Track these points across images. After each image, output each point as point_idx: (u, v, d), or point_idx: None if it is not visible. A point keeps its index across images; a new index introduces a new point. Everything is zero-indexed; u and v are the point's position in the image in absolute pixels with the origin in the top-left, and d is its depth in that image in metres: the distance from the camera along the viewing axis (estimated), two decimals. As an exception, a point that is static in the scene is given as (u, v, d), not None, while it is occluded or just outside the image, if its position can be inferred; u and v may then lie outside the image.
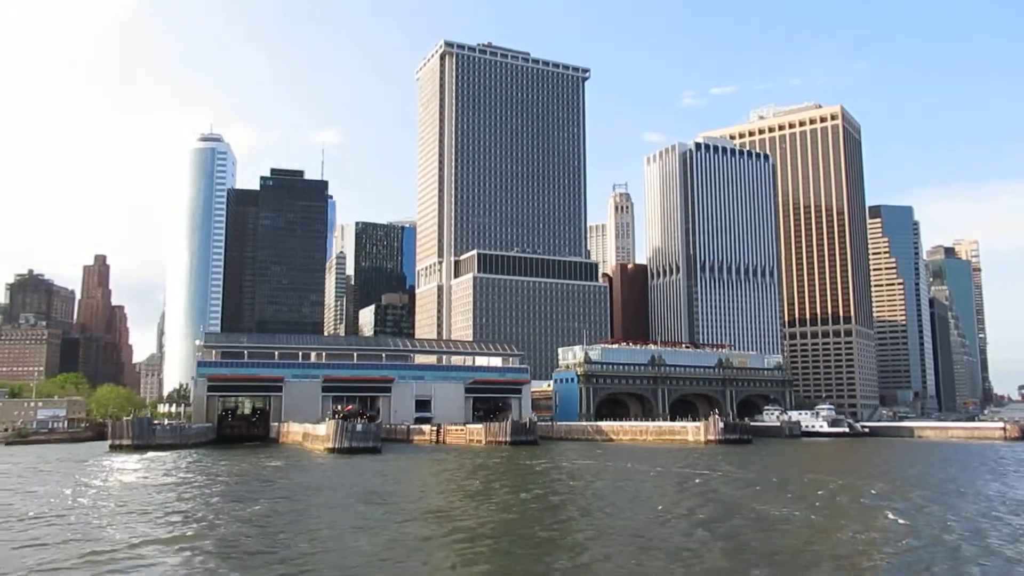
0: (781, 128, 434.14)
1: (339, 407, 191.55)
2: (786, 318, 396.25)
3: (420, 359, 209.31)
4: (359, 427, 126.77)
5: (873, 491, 73.78)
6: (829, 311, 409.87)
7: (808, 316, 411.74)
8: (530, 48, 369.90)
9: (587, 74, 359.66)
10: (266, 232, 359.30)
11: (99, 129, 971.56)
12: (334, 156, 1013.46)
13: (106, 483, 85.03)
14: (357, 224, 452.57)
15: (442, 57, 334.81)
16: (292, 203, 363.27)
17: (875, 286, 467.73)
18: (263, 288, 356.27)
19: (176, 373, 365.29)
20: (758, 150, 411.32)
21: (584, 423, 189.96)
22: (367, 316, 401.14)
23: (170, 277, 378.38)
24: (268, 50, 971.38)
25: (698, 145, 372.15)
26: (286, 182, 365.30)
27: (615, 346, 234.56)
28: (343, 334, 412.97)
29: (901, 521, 53.99)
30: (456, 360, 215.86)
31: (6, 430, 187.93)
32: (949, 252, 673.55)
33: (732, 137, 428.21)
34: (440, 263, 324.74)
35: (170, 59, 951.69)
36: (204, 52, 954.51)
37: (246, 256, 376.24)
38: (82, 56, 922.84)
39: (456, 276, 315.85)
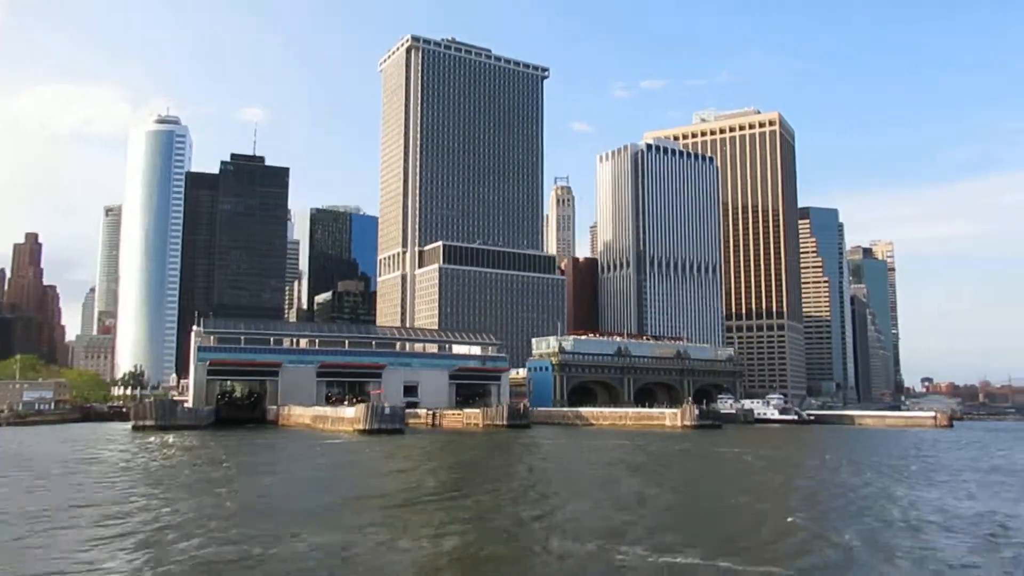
0: (723, 131, 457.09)
1: (331, 392, 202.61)
2: (725, 312, 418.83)
3: (405, 347, 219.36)
4: (387, 410, 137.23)
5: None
6: (763, 306, 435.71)
7: (745, 310, 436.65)
8: (488, 43, 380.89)
9: (546, 73, 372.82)
10: (226, 217, 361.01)
11: (17, 99, 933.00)
12: (264, 134, 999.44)
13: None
14: (312, 210, 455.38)
15: (408, 51, 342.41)
16: (252, 188, 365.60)
17: (803, 283, 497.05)
18: (223, 273, 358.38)
19: (129, 356, 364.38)
20: (700, 151, 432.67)
21: (564, 409, 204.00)
22: (323, 302, 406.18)
23: (124, 259, 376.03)
24: (192, 25, 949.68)
25: (649, 146, 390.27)
26: (246, 167, 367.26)
27: (584, 337, 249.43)
28: (295, 320, 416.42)
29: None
30: (431, 348, 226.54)
31: (1, 411, 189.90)
32: (867, 252, 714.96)
33: (676, 138, 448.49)
34: (404, 253, 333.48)
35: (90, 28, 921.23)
36: (125, 24, 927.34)
37: (200, 239, 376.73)
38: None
39: (420, 266, 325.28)
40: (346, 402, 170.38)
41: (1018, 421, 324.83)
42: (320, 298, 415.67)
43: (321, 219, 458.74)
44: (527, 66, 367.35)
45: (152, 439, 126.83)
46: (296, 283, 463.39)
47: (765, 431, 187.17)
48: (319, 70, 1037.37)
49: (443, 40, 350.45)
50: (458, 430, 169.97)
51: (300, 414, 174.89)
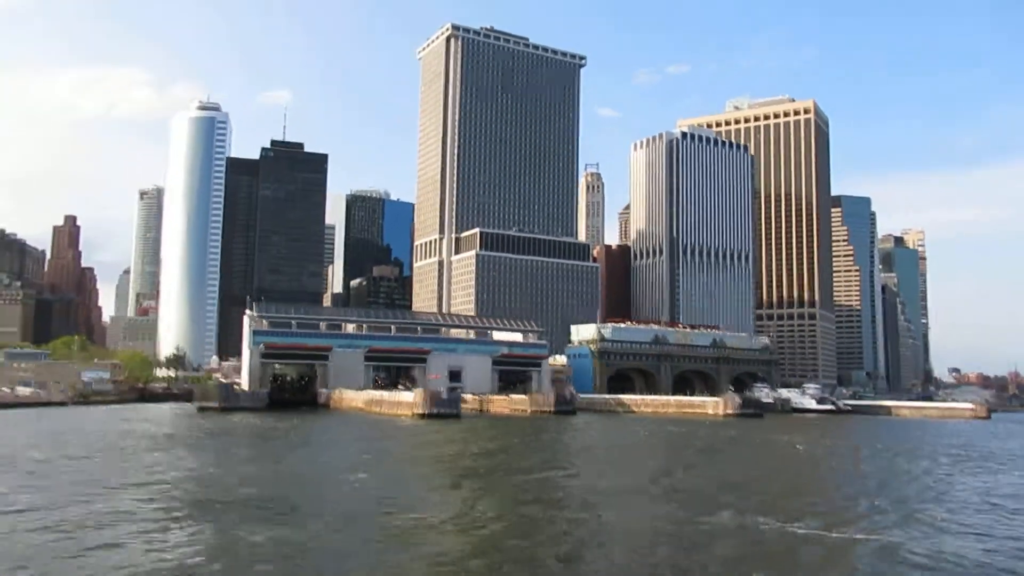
0: (756, 119, 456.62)
1: (378, 376, 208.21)
2: (757, 300, 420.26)
3: (450, 332, 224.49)
4: (445, 395, 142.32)
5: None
6: (795, 295, 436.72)
7: (776, 299, 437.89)
8: (522, 31, 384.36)
9: (583, 61, 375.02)
10: (266, 203, 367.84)
11: (40, 83, 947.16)
12: (292, 119, 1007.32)
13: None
14: (348, 195, 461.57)
15: (448, 39, 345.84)
16: (292, 175, 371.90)
17: (834, 272, 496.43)
18: (263, 258, 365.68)
19: (172, 337, 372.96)
20: (733, 139, 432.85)
21: (606, 396, 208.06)
22: (358, 287, 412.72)
23: (166, 243, 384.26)
24: (216, 8, 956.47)
25: (684, 134, 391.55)
26: (286, 154, 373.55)
27: (622, 325, 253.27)
28: (330, 304, 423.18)
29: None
30: (471, 334, 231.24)
31: (63, 391, 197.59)
32: (898, 241, 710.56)
33: (709, 126, 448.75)
34: (441, 239, 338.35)
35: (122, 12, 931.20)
36: (147, 6, 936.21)
37: (239, 224, 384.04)
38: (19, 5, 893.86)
39: (457, 253, 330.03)
40: (400, 386, 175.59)
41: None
42: (355, 283, 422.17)
43: (357, 204, 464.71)
44: (564, 54, 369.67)
45: (236, 419, 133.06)
46: (330, 267, 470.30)
47: (806, 420, 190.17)
48: (346, 55, 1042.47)
49: (482, 29, 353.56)
50: (506, 415, 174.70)
51: (352, 398, 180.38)
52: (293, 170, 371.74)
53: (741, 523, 40.85)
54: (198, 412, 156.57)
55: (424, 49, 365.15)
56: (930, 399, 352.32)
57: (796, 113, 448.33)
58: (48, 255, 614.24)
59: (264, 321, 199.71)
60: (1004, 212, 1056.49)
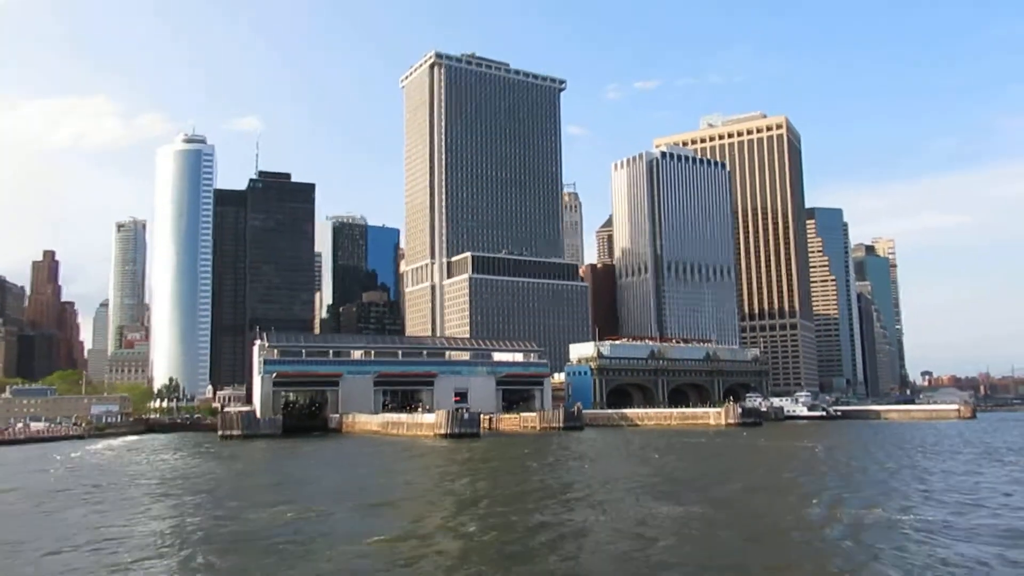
0: (731, 136, 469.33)
1: (387, 400, 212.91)
2: (740, 312, 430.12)
3: (452, 355, 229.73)
4: (466, 415, 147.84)
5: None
6: (776, 306, 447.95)
7: (758, 311, 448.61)
8: (503, 55, 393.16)
9: (563, 85, 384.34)
10: (255, 233, 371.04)
11: (8, 114, 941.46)
12: (264, 147, 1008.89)
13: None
14: (334, 222, 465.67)
15: (431, 67, 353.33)
16: (280, 205, 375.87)
17: (811, 282, 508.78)
18: (255, 287, 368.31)
19: (164, 368, 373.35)
20: (709, 156, 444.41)
21: (610, 411, 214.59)
22: (348, 313, 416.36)
23: (155, 276, 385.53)
24: (187, 40, 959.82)
25: (664, 154, 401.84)
26: (274, 184, 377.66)
27: (619, 342, 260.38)
28: (318, 331, 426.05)
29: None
30: (462, 356, 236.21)
31: (76, 424, 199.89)
32: (869, 250, 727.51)
33: (685, 143, 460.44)
34: (432, 264, 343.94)
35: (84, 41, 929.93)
36: (116, 38, 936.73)
37: (227, 254, 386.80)
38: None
39: (449, 277, 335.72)
40: (414, 409, 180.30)
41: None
42: (344, 309, 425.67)
43: (344, 231, 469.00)
44: (544, 79, 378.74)
45: (260, 446, 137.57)
46: (317, 295, 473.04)
47: (803, 427, 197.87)
48: (317, 79, 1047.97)
49: (464, 56, 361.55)
50: (517, 432, 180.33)
51: (366, 421, 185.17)
52: (281, 200, 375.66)
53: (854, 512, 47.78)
54: (221, 440, 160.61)
55: (407, 77, 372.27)
56: (911, 402, 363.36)
57: (769, 129, 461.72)
58: (28, 290, 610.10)
59: (275, 351, 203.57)
60: (968, 217, 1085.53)
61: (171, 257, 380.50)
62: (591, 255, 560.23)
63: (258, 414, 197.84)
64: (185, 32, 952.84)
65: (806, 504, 53.69)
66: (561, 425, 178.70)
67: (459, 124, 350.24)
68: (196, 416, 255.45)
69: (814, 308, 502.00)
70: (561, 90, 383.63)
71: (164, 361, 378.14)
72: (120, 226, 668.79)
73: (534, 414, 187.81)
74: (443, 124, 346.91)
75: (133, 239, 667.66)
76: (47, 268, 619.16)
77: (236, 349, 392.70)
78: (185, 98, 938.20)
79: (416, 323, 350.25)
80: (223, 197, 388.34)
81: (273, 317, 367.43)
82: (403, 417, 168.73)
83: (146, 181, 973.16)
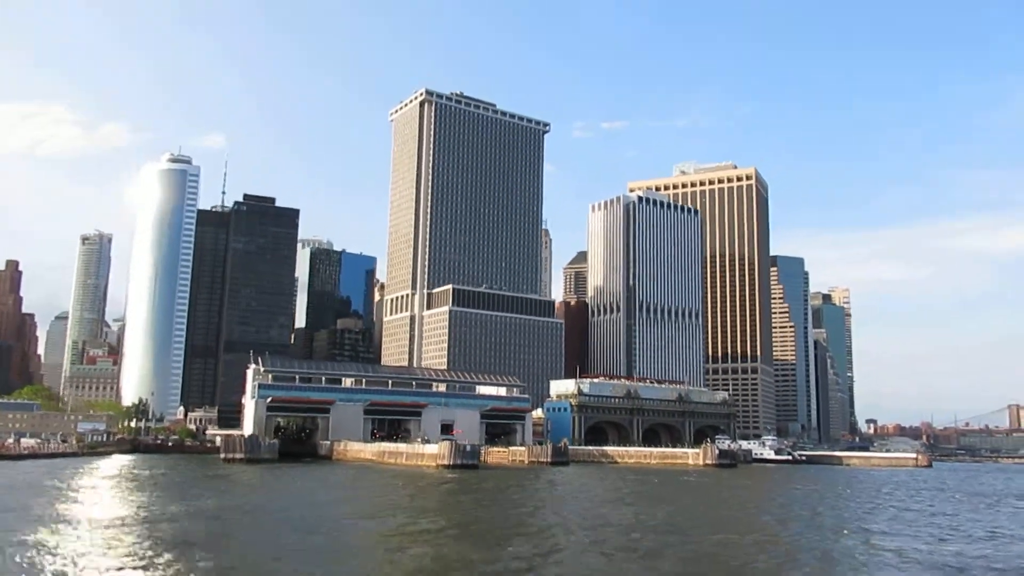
0: (702, 184, 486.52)
1: (376, 429, 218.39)
2: (704, 355, 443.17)
3: (437, 387, 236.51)
4: (468, 448, 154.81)
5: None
6: (739, 350, 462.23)
7: (721, 354, 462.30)
8: (502, 102, 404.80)
9: (547, 128, 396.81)
10: (237, 255, 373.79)
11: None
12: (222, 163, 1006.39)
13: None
14: (312, 249, 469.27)
15: (421, 104, 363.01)
16: (263, 228, 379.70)
17: (772, 328, 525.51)
18: (233, 310, 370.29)
19: (134, 387, 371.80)
20: (680, 202, 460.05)
21: (591, 447, 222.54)
22: (323, 340, 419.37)
23: (132, 294, 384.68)
24: (150, 51, 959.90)
25: (640, 199, 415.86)
26: (258, 208, 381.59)
27: (598, 380, 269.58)
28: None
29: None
30: (434, 388, 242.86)
31: (64, 441, 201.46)
32: (826, 298, 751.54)
33: (658, 188, 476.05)
34: (413, 295, 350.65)
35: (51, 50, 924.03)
36: (76, 46, 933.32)
37: (205, 275, 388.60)
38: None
39: (429, 308, 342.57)
40: (419, 439, 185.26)
41: (987, 462, 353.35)
42: (319, 335, 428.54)
43: (320, 257, 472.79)
44: (529, 120, 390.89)
45: (270, 472, 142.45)
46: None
47: (772, 470, 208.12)
48: (284, 104, 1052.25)
49: (452, 94, 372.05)
50: (505, 466, 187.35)
51: (359, 449, 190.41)
52: (264, 224, 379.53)
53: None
54: (224, 463, 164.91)
55: (397, 111, 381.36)
56: (866, 449, 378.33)
57: (739, 179, 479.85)
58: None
59: (269, 375, 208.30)
60: (915, 270, 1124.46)
61: (149, 275, 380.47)
62: (557, 290, 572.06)
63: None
64: (156, 48, 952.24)
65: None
66: (549, 460, 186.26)
67: (446, 160, 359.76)
68: (173, 438, 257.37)
69: (774, 353, 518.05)
70: (545, 132, 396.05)
71: (134, 380, 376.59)
72: (85, 239, 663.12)
73: (522, 448, 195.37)
74: (431, 159, 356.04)
75: (98, 253, 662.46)
76: (9, 278, 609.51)
77: (207, 371, 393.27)
78: (150, 111, 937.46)
79: (393, 352, 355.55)
80: (205, 217, 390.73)
81: (249, 340, 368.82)
82: (402, 447, 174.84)
83: (106, 192, 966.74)
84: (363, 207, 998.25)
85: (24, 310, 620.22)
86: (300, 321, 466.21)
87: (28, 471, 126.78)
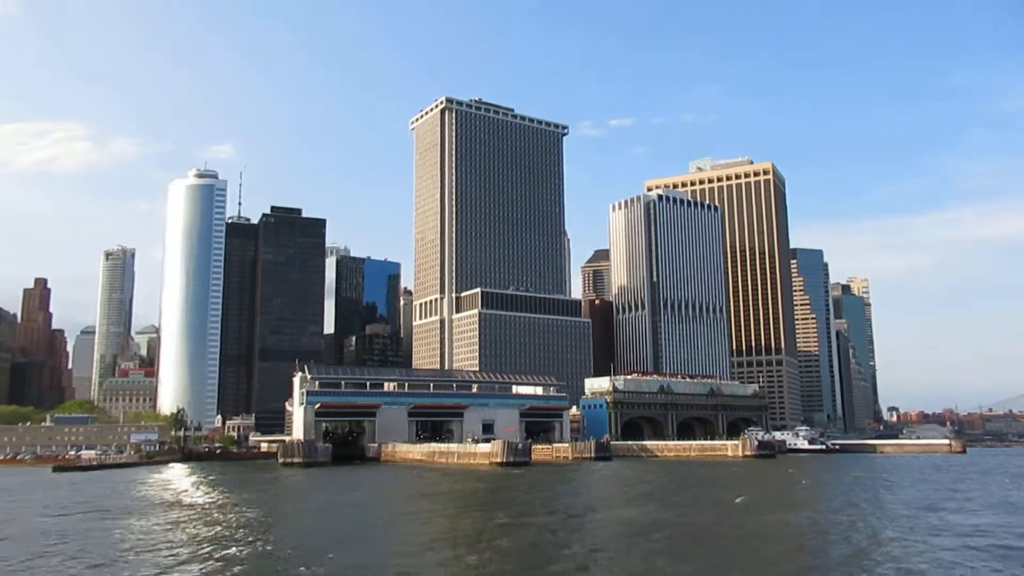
0: (719, 180, 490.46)
1: (418, 431, 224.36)
2: (729, 348, 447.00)
3: (477, 389, 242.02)
4: (520, 446, 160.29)
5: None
6: (763, 343, 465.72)
7: (745, 347, 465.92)
8: (513, 103, 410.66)
9: (565, 130, 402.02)
10: (267, 266, 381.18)
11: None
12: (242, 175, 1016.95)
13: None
14: (339, 256, 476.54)
15: (443, 112, 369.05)
16: (291, 239, 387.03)
17: (794, 320, 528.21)
18: (265, 319, 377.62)
19: (170, 399, 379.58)
20: (699, 199, 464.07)
21: (630, 442, 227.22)
22: (352, 346, 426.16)
23: (165, 307, 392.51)
24: (179, 61, 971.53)
25: (660, 197, 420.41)
26: (286, 219, 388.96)
27: (631, 376, 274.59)
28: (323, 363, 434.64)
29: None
30: (473, 390, 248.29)
31: (121, 452, 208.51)
32: (845, 289, 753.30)
33: (676, 186, 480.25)
34: (441, 299, 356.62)
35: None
36: (90, 61, 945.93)
37: (234, 286, 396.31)
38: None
39: (458, 311, 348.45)
40: (472, 439, 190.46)
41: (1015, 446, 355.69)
42: (348, 341, 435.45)
43: (347, 264, 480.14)
44: (547, 124, 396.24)
45: (333, 474, 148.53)
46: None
47: (814, 459, 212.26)
48: (290, 107, 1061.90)
49: (471, 101, 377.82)
50: (550, 462, 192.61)
51: (408, 451, 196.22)
52: (292, 235, 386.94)
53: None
54: (282, 467, 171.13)
55: (418, 120, 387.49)
56: (895, 437, 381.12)
57: (756, 174, 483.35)
58: (19, 318, 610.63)
59: (316, 382, 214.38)
60: (930, 257, 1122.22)
61: (181, 288, 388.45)
62: (576, 289, 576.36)
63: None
64: (156, 57, 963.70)
65: None
66: (593, 455, 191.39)
67: (468, 166, 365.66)
68: (216, 446, 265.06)
69: (797, 345, 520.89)
70: (563, 134, 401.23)
71: (170, 391, 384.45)
72: (108, 254, 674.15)
73: (566, 444, 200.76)
74: (454, 165, 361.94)
75: (121, 267, 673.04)
76: (39, 295, 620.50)
77: (240, 379, 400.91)
78: (159, 124, 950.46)
79: (424, 356, 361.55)
80: (233, 229, 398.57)
81: (283, 348, 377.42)
82: (453, 447, 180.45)
83: (120, 205, 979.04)
84: (380, 213, 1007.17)
85: (62, 328, 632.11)
86: (328, 328, 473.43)
87: (118, 480, 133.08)
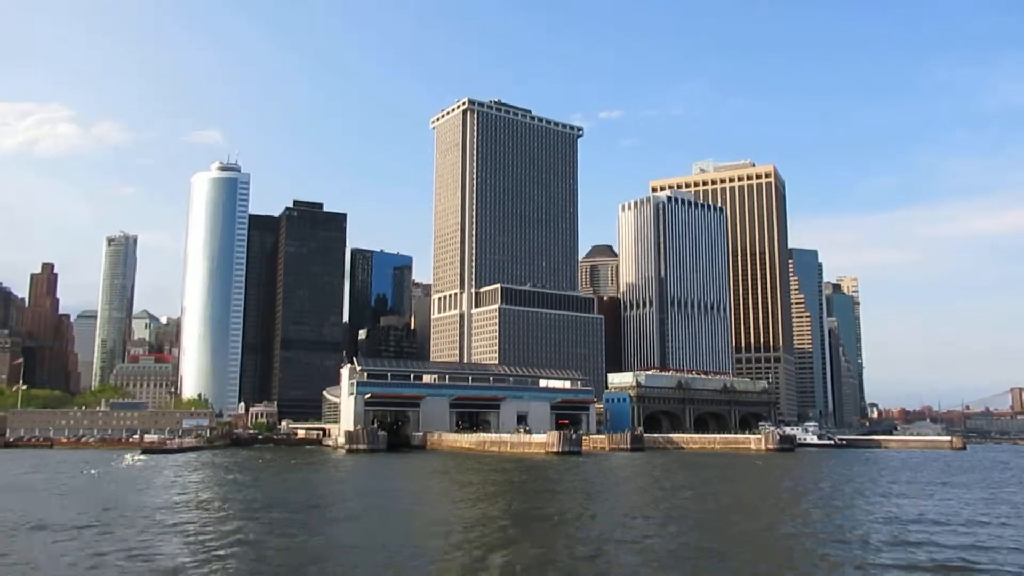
0: (722, 182, 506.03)
1: (458, 421, 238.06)
2: (733, 345, 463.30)
3: (512, 382, 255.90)
4: (574, 436, 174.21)
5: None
6: (762, 341, 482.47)
7: (744, 345, 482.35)
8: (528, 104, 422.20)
9: (580, 132, 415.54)
10: (290, 259, 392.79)
11: None
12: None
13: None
14: (353, 250, 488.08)
15: (464, 112, 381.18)
16: (313, 233, 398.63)
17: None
18: (288, 311, 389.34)
19: (193, 384, 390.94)
20: (702, 200, 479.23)
21: (656, 435, 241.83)
22: (367, 337, 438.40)
23: (188, 296, 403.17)
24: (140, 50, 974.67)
25: (669, 198, 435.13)
26: (308, 213, 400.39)
27: (651, 372, 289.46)
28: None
29: None
30: (504, 383, 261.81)
31: (180, 436, 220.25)
32: (835, 288, 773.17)
33: (679, 186, 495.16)
34: (460, 294, 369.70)
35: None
36: (72, 47, 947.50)
37: (254, 277, 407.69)
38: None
39: (477, 306, 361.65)
40: (523, 430, 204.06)
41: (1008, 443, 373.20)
42: (363, 333, 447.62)
43: (361, 257, 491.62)
44: (563, 126, 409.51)
45: (397, 459, 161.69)
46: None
47: (827, 453, 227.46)
48: (272, 95, 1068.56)
49: (491, 102, 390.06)
50: (588, 452, 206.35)
51: (455, 440, 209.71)
52: (314, 228, 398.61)
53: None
54: (347, 454, 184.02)
55: (439, 119, 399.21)
56: (890, 433, 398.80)
57: (758, 177, 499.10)
58: (27, 302, 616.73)
59: (365, 374, 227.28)
60: (906, 255, 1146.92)
61: (203, 278, 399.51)
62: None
63: (350, 430, 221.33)
64: (134, 45, 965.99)
65: None
66: (629, 447, 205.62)
67: (488, 165, 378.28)
68: (255, 433, 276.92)
69: (793, 343, 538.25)
70: (579, 136, 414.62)
71: (192, 377, 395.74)
72: (111, 240, 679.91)
73: (603, 436, 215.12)
74: (475, 164, 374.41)
75: (123, 253, 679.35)
76: (46, 280, 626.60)
77: (259, 367, 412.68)
78: (140, 109, 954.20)
79: (443, 349, 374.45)
80: (255, 222, 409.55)
81: (304, 338, 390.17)
82: (505, 436, 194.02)
83: (107, 189, 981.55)
84: (393, 207, 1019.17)
85: (68, 313, 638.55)
86: (344, 319, 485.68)
87: (221, 463, 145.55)
